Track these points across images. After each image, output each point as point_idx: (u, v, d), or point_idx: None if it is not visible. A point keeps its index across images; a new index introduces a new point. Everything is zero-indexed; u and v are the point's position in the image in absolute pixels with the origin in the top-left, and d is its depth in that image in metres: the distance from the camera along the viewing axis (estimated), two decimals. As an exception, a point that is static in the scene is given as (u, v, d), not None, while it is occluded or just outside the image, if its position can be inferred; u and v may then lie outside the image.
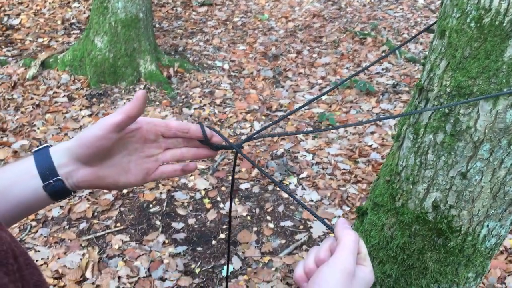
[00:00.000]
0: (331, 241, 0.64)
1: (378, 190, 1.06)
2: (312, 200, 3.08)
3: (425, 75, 0.93)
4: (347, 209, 2.99)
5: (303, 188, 3.20)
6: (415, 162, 0.94)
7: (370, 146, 3.63)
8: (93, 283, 2.44)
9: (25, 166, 0.66)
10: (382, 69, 4.94)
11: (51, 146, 0.68)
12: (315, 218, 2.89)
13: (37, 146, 3.47)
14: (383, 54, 5.14)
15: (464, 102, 0.82)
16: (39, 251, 2.63)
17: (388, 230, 1.03)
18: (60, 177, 0.66)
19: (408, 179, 0.96)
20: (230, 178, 3.31)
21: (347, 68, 5.04)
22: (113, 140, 0.67)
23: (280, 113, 4.16)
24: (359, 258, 0.61)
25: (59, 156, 0.67)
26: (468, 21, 0.80)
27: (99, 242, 2.73)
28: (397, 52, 5.17)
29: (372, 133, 3.80)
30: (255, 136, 0.83)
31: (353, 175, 3.30)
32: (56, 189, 0.66)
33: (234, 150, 0.77)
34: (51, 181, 0.65)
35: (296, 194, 3.15)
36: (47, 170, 0.65)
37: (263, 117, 4.10)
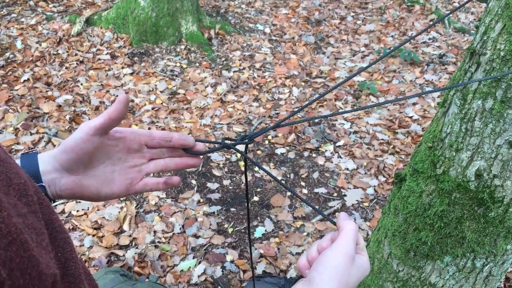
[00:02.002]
0: (332, 233, 0.69)
1: (419, 157, 1.03)
2: (347, 169, 3.06)
3: (478, 38, 0.89)
4: (383, 179, 2.96)
5: (339, 156, 3.17)
6: (460, 128, 0.91)
7: (410, 117, 3.55)
8: (129, 235, 2.53)
9: None
10: (429, 39, 4.77)
11: (39, 152, 0.68)
12: (350, 187, 2.87)
13: (80, 102, 3.57)
14: (431, 23, 4.94)
15: (519, 67, 0.78)
16: (79, 202, 2.73)
17: (426, 197, 1.01)
18: (43, 184, 0.66)
19: (452, 146, 0.93)
20: (266, 142, 3.32)
21: (392, 36, 4.89)
22: (95, 144, 0.67)
23: (320, 80, 4.10)
24: (357, 248, 0.67)
25: (44, 163, 0.66)
26: (531, -20, 0.75)
27: (137, 197, 2.81)
28: (445, 21, 4.96)
29: (414, 104, 3.70)
30: (258, 133, 0.82)
31: (391, 146, 3.25)
32: None
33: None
34: None
35: (332, 162, 3.13)
36: (31, 175, 0.64)
37: (303, 83, 4.05)
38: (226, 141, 0.80)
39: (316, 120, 3.53)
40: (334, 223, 0.70)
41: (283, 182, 2.92)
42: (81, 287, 0.39)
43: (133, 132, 0.74)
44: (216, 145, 0.82)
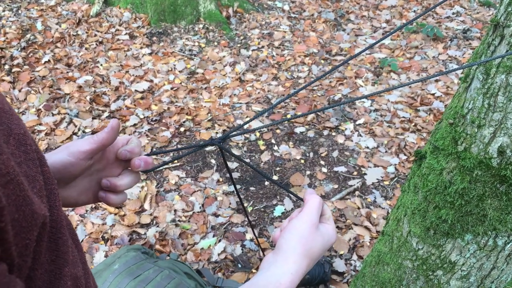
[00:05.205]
0: (301, 208, 0.77)
1: (440, 133, 1.01)
2: (367, 147, 3.03)
3: (502, 10, 0.85)
4: (404, 158, 2.92)
5: (359, 135, 3.14)
6: (483, 104, 0.88)
7: (433, 94, 3.47)
8: (150, 214, 2.56)
9: None
10: (453, 13, 4.64)
11: None
12: (370, 165, 2.84)
13: (100, 82, 3.60)
14: (455, -3, 4.80)
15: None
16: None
17: (447, 174, 0.99)
18: None
19: (474, 122, 0.90)
20: (286, 122, 3.30)
21: (414, 11, 4.77)
22: (83, 167, 0.67)
23: (340, 57, 4.04)
24: (323, 218, 0.75)
25: None
26: None
27: (157, 176, 2.84)
28: (470, -5, 4.81)
29: (437, 81, 3.62)
30: (236, 132, 0.80)
31: (413, 124, 3.19)
32: None
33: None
34: None
35: (352, 141, 3.10)
36: None
37: (322, 61, 4.00)
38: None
39: (336, 98, 3.49)
40: (302, 200, 0.77)
41: (302, 162, 2.90)
42: (62, 232, 0.42)
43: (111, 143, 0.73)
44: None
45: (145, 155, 0.74)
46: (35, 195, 0.36)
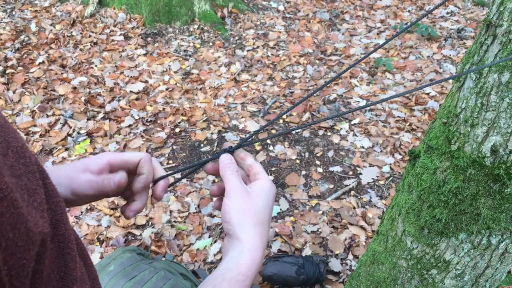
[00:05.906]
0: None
1: (433, 133, 1.01)
2: (363, 147, 3.03)
3: (494, 9, 0.85)
4: (399, 157, 2.93)
5: (355, 135, 3.15)
6: (475, 103, 0.88)
7: (427, 94, 3.49)
8: (146, 215, 2.56)
9: None
10: (447, 13, 4.65)
11: None
12: (365, 165, 2.85)
13: (95, 83, 3.59)
14: (449, -4, 4.81)
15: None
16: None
17: (440, 174, 0.99)
18: None
19: (467, 121, 0.91)
20: (281, 121, 3.31)
21: (408, 11, 4.79)
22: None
23: (334, 57, 4.04)
24: (253, 174, 0.71)
25: None
26: None
27: (152, 177, 2.83)
28: (464, -6, 4.83)
29: (431, 80, 3.63)
30: (246, 142, 0.79)
31: (408, 123, 3.20)
32: None
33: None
34: None
35: (347, 140, 3.10)
36: None
37: (317, 61, 4.00)
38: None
39: (331, 98, 3.50)
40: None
41: (297, 162, 2.90)
42: (70, 247, 0.41)
43: (115, 158, 0.73)
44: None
45: (158, 179, 0.74)
46: (35, 210, 0.35)
